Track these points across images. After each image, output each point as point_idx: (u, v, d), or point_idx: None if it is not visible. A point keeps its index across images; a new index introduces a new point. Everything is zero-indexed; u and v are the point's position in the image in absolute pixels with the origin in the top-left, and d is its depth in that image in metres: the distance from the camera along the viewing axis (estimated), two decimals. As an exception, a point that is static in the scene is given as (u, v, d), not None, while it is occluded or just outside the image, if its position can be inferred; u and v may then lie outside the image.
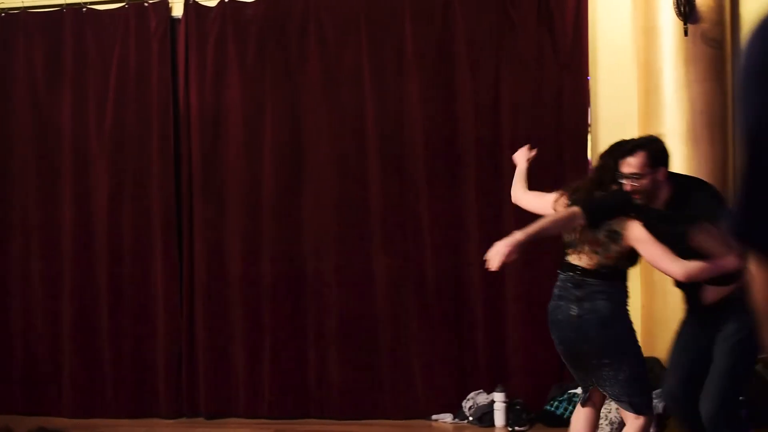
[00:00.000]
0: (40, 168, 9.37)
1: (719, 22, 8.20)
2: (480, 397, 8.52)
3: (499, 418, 8.28)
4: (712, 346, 5.67)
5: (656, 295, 8.23)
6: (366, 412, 8.81)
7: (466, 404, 8.55)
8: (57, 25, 9.35)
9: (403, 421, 8.62)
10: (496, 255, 5.27)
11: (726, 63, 8.20)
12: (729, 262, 5.23)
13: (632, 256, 5.69)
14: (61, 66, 9.35)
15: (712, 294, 5.55)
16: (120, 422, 9.10)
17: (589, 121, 8.67)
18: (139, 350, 9.21)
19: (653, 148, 5.57)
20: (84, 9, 9.29)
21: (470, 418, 8.47)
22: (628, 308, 5.87)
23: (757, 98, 1.25)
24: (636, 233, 5.53)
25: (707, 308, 5.64)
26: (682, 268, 5.42)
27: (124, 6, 9.25)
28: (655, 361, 8.10)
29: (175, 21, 9.24)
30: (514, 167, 8.52)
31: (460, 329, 8.68)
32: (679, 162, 8.07)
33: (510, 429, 8.22)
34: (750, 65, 1.28)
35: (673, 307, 8.06)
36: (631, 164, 5.53)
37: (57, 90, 9.35)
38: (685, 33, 8.05)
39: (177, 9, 9.20)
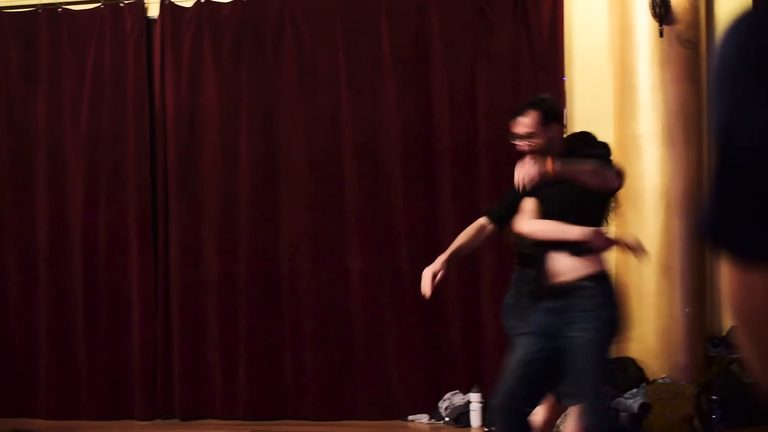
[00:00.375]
0: (15, 168, 9.33)
1: (694, 23, 8.24)
2: (456, 398, 8.52)
3: (475, 418, 8.28)
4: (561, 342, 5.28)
5: (631, 296, 8.24)
6: (342, 412, 8.81)
7: (443, 405, 8.56)
8: (32, 26, 9.31)
9: (379, 422, 8.61)
10: (425, 284, 5.43)
11: (701, 64, 8.23)
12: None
13: None
14: (36, 66, 9.32)
15: (565, 265, 5.31)
16: (95, 423, 9.07)
17: (564, 121, 8.66)
18: (115, 351, 9.18)
19: (544, 106, 5.45)
20: (59, 9, 9.25)
21: (446, 419, 8.47)
22: None
23: (730, 98, 1.26)
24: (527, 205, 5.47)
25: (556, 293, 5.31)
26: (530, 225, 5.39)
27: (99, 6, 9.22)
28: (630, 361, 8.12)
29: (150, 21, 9.22)
30: (490, 166, 8.58)
31: (436, 330, 8.68)
32: (655, 162, 8.12)
33: (486, 429, 8.21)
34: (723, 65, 1.28)
35: (649, 307, 8.11)
36: (523, 124, 5.39)
37: (32, 90, 9.31)
38: (661, 34, 8.08)
39: (153, 9, 9.19)
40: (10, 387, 9.33)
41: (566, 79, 8.64)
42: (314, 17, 8.94)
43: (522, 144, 5.40)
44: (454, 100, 8.70)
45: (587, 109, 8.58)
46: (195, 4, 9.06)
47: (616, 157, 8.32)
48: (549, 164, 4.97)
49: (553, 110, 5.50)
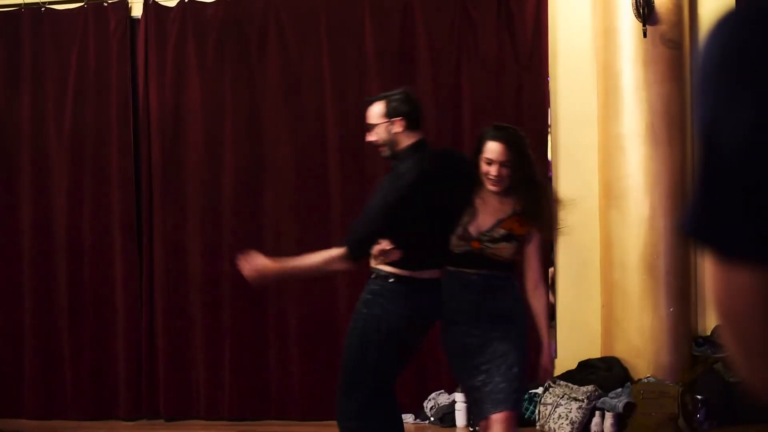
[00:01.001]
0: (-2, 168, 9.32)
1: (678, 23, 8.26)
2: (441, 398, 8.53)
3: (460, 418, 8.28)
4: None
5: (616, 296, 8.27)
6: (327, 412, 8.78)
7: (428, 404, 8.56)
8: (15, 25, 9.29)
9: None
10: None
11: (685, 64, 8.26)
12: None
13: None
14: (19, 66, 9.30)
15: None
16: (80, 424, 9.05)
17: (548, 122, 8.70)
18: (99, 351, 9.16)
19: (391, 99, 5.45)
20: (42, 9, 9.23)
21: (431, 419, 8.47)
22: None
23: (713, 98, 1.26)
24: None
25: None
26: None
27: (83, 6, 9.20)
28: (615, 360, 8.14)
29: (134, 21, 9.20)
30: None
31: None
32: (639, 162, 8.14)
33: (471, 429, 8.22)
34: (706, 65, 1.29)
35: (633, 307, 8.13)
36: (368, 116, 5.50)
37: (15, 90, 9.29)
38: (644, 34, 8.10)
39: (136, 9, 9.17)
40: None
41: (550, 79, 8.65)
42: (298, 17, 8.93)
43: (367, 135, 5.52)
44: (438, 101, 8.70)
45: (571, 110, 8.60)
46: (179, 3, 9.04)
47: (600, 157, 8.39)
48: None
49: (400, 103, 5.45)
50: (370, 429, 5.74)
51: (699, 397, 7.81)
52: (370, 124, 5.47)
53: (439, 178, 5.41)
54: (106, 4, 9.16)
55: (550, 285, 8.66)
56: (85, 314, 9.16)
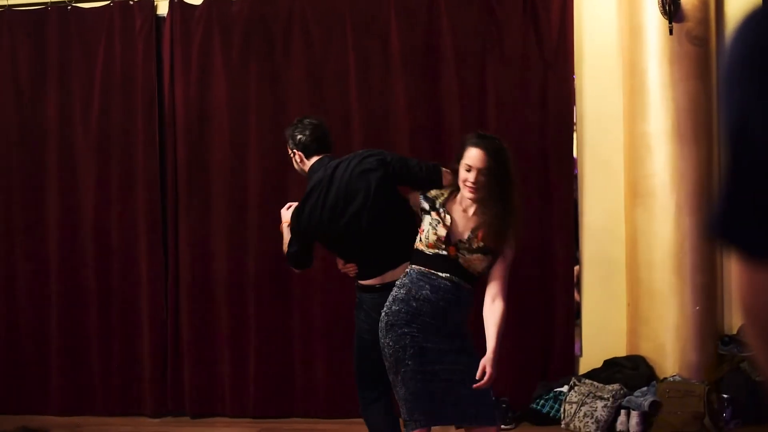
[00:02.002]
0: (25, 167, 9.35)
1: (704, 20, 8.22)
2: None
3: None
4: None
5: (641, 294, 8.24)
6: (351, 411, 8.78)
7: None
8: (42, 24, 9.32)
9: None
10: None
11: (711, 61, 8.22)
12: None
13: None
14: (46, 64, 9.33)
15: None
16: (106, 420, 9.08)
17: (574, 120, 8.68)
18: (125, 349, 9.20)
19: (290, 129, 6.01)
20: (69, 7, 9.26)
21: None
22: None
23: (740, 96, 1.25)
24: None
25: None
26: None
27: (108, 4, 9.23)
28: (640, 359, 8.12)
29: (160, 19, 9.23)
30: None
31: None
32: (665, 160, 8.11)
33: (503, 427, 8.21)
34: (733, 62, 1.28)
35: (659, 305, 8.10)
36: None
37: (42, 88, 9.33)
38: (670, 32, 8.07)
39: (162, 7, 9.19)
40: (20, 384, 9.36)
41: (575, 77, 8.62)
42: (323, 14, 8.93)
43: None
44: (463, 99, 8.69)
45: (597, 108, 8.58)
46: (204, 1, 9.06)
47: (626, 155, 8.36)
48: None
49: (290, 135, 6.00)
50: (370, 427, 6.12)
51: (725, 395, 7.78)
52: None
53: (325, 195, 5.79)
54: (132, 3, 9.18)
55: (575, 283, 8.65)
56: (111, 312, 9.20)
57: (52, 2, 9.30)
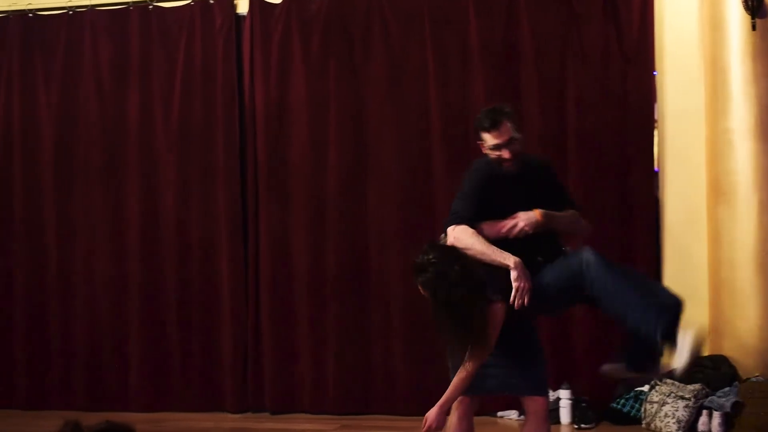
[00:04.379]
0: (107, 165, 9.46)
1: (788, 16, 8.11)
2: (545, 395, 8.48)
3: (564, 415, 8.25)
4: None
5: (724, 293, 8.16)
6: (431, 407, 8.80)
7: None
8: (123, 23, 9.43)
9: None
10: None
11: (795, 58, 8.11)
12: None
13: None
14: (127, 63, 9.44)
15: None
16: (187, 416, 9.16)
17: (655, 117, 8.60)
18: (206, 345, 9.28)
19: (512, 114, 5.56)
20: (150, 6, 9.35)
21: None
22: None
23: None
24: (458, 233, 5.44)
25: None
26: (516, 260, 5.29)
27: (189, 3, 9.30)
28: (723, 359, 8.03)
29: (240, 18, 9.28)
30: (579, 161, 8.51)
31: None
32: (748, 157, 8.01)
33: (576, 426, 8.19)
34: None
35: (742, 304, 8.01)
36: (504, 131, 5.47)
37: (123, 87, 9.43)
38: (753, 27, 7.97)
39: (242, 6, 9.25)
40: (102, 381, 9.47)
41: (657, 73, 8.55)
42: (402, 11, 8.94)
43: (505, 152, 5.41)
44: (542, 95, 8.65)
45: (678, 105, 8.49)
46: (284, 0, 9.10)
47: (708, 152, 8.28)
48: (537, 214, 5.30)
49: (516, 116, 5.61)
50: None
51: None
52: (508, 140, 5.44)
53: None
54: (212, 2, 9.25)
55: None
56: (192, 309, 9.29)
57: (133, 2, 9.39)
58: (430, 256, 5.24)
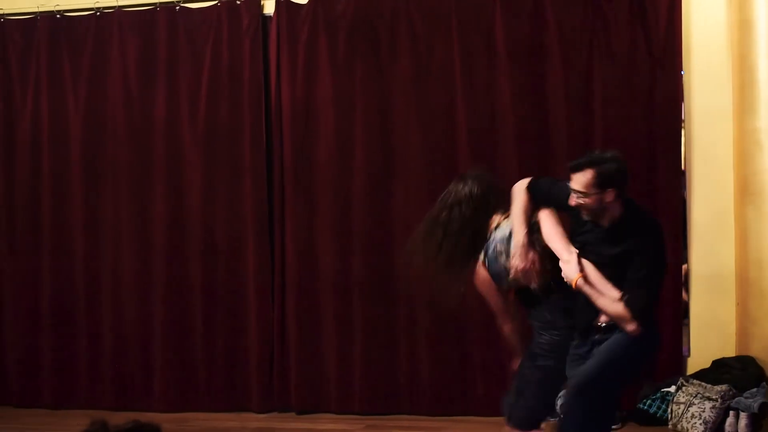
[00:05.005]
0: (134, 164, 9.49)
1: (817, 14, 8.07)
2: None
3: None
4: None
5: (752, 294, 8.12)
6: (457, 408, 8.81)
7: (558, 402, 8.48)
8: (151, 23, 9.45)
9: (494, 418, 8.54)
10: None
11: (824, 57, 8.06)
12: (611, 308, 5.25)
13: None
14: (154, 63, 9.46)
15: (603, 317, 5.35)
16: (212, 416, 9.18)
17: (682, 117, 8.56)
18: (231, 345, 9.30)
19: (603, 168, 5.30)
20: (177, 8, 9.37)
21: (562, 416, 8.40)
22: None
23: None
24: (543, 213, 5.52)
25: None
26: (573, 257, 5.30)
27: (216, 4, 9.32)
28: (750, 360, 7.99)
29: (266, 18, 9.29)
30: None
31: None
32: (775, 158, 7.98)
33: (615, 426, 8.14)
34: None
35: (769, 305, 7.97)
36: (578, 182, 5.30)
37: (151, 87, 9.46)
38: (782, 26, 7.95)
39: (268, 7, 9.26)
40: (128, 380, 9.51)
41: (684, 73, 8.51)
42: (428, 11, 8.93)
43: (573, 199, 5.34)
44: (569, 95, 8.62)
45: (705, 104, 8.46)
46: (310, 1, 9.11)
47: (735, 152, 8.23)
48: (577, 277, 5.24)
49: (610, 175, 5.29)
50: None
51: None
52: (580, 192, 5.31)
53: None
54: (238, 2, 9.26)
55: (683, 282, 8.54)
56: (217, 309, 9.30)
57: (160, 2, 9.42)
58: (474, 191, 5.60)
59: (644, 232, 5.34)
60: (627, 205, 5.39)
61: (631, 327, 5.20)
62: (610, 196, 5.27)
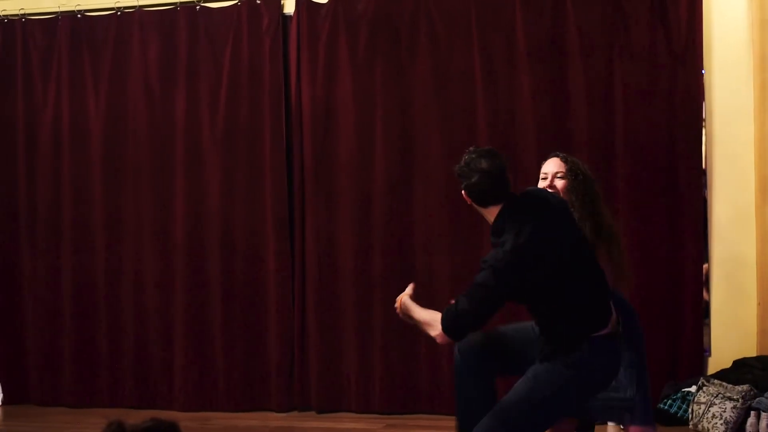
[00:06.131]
0: (154, 162, 9.52)
1: (839, 13, 8.05)
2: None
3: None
4: None
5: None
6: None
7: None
8: (171, 23, 9.48)
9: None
10: None
11: None
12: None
13: None
14: (175, 63, 9.48)
15: None
16: (232, 415, 9.20)
17: (703, 116, 8.54)
18: (252, 343, 9.31)
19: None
20: (197, 7, 9.39)
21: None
22: None
23: None
24: None
25: None
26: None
27: (236, 3, 9.33)
28: (770, 359, 7.99)
29: (286, 18, 9.30)
30: (628, 162, 8.47)
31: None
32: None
33: (622, 427, 8.13)
34: None
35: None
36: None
37: (171, 86, 9.48)
38: (804, 25, 7.93)
39: (289, 6, 9.27)
40: (148, 379, 9.54)
41: (705, 72, 8.48)
42: (448, 11, 8.92)
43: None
44: (590, 94, 8.61)
45: (727, 103, 8.43)
46: (330, 0, 9.12)
47: (757, 151, 8.21)
48: (398, 302, 5.45)
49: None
50: None
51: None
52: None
53: None
54: (259, 2, 9.27)
55: (704, 282, 8.52)
56: (237, 307, 9.32)
57: (181, 2, 9.44)
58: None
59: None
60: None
61: (434, 333, 5.19)
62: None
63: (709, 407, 7.78)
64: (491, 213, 5.28)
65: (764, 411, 7.61)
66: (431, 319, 5.24)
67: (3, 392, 9.93)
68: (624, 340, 5.44)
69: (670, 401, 8.14)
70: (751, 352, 8.22)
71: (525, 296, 5.16)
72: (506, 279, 5.01)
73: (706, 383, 7.94)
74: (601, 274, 5.23)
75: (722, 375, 8.04)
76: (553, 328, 5.15)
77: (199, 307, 9.40)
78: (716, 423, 7.68)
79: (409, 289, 5.49)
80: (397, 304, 5.50)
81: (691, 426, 7.91)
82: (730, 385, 7.81)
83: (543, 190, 5.78)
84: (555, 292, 5.06)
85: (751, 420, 7.65)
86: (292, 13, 9.24)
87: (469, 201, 5.36)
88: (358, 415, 8.98)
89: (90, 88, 9.65)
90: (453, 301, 5.20)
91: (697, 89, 8.47)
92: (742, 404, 7.68)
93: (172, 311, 9.47)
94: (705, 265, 8.55)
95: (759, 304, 8.24)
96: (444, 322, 5.14)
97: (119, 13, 9.59)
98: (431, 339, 8.80)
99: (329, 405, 9.13)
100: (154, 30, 9.52)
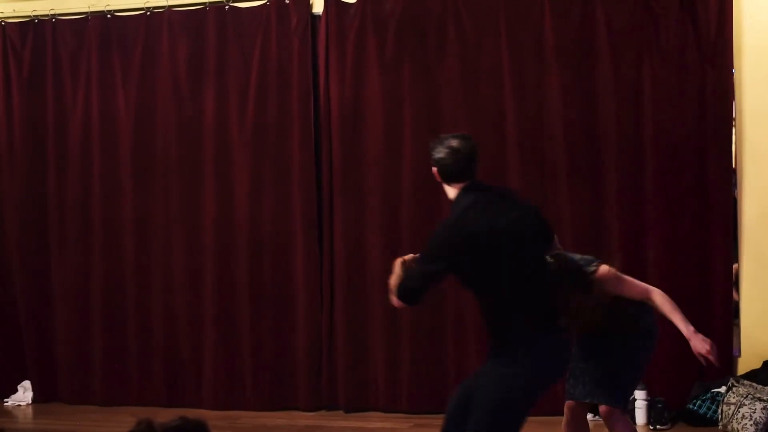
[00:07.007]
0: (183, 162, 9.55)
1: None
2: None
3: (640, 416, 8.18)
4: None
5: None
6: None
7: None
8: (200, 23, 9.50)
9: (543, 417, 8.52)
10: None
11: None
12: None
13: None
14: (203, 62, 9.51)
15: None
16: (260, 414, 9.22)
17: (733, 115, 8.50)
18: (280, 343, 9.33)
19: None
20: (226, 7, 9.41)
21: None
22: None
23: None
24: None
25: None
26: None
27: (265, 3, 9.35)
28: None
29: (315, 17, 9.31)
30: (656, 160, 8.43)
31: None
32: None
33: (651, 428, 8.12)
34: None
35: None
36: None
37: (200, 86, 9.51)
38: (834, 24, 7.88)
39: (317, 6, 9.28)
40: (175, 378, 9.58)
41: (735, 72, 8.44)
42: (477, 9, 8.91)
43: None
44: (619, 94, 8.58)
45: (757, 103, 8.39)
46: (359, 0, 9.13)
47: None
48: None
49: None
50: None
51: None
52: None
53: None
54: (287, 2, 9.28)
55: (734, 282, 8.48)
56: (266, 307, 9.34)
57: (210, 2, 9.46)
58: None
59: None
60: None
61: (392, 298, 5.32)
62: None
63: (739, 408, 7.74)
64: (451, 191, 5.42)
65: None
66: (394, 286, 5.34)
67: (34, 390, 9.98)
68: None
69: (699, 402, 8.11)
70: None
71: (465, 281, 5.31)
72: (435, 254, 5.18)
73: (735, 384, 7.91)
74: (552, 279, 5.29)
75: (752, 375, 8.01)
76: (494, 323, 5.23)
77: (227, 306, 9.43)
78: (746, 424, 7.64)
79: (410, 256, 5.52)
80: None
81: (720, 427, 7.88)
82: (760, 386, 7.78)
83: (516, 192, 5.83)
84: (496, 284, 5.13)
85: (781, 421, 7.63)
86: (320, 13, 9.24)
87: (438, 178, 5.49)
88: (386, 415, 9.00)
89: (119, 88, 9.69)
90: None
91: (727, 89, 8.43)
92: (772, 405, 7.65)
93: (201, 311, 9.49)
94: (735, 265, 8.51)
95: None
96: (395, 289, 5.30)
97: (148, 13, 9.62)
98: (458, 339, 8.89)
99: (357, 404, 9.14)
100: (183, 30, 9.55)
